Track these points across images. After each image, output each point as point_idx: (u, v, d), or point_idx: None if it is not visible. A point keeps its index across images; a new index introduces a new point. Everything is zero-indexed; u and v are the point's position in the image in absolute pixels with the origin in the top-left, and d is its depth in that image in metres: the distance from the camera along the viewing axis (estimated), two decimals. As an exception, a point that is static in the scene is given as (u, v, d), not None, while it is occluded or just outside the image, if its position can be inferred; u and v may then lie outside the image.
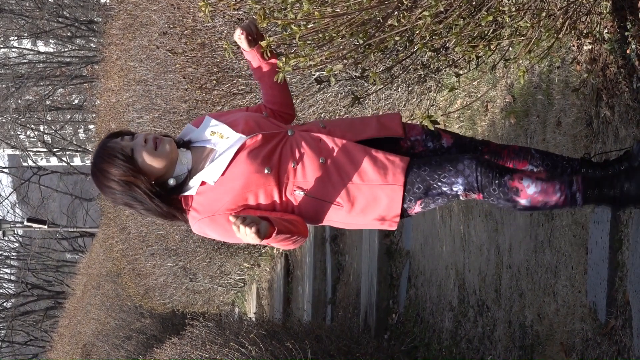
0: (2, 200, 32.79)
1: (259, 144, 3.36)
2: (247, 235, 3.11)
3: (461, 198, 3.41)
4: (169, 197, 3.38)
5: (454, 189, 3.36)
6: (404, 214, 3.41)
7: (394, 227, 3.46)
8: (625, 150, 3.72)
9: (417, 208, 3.42)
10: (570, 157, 3.72)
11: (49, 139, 31.03)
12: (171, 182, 3.37)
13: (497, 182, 3.32)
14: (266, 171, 3.31)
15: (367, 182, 3.35)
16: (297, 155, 3.36)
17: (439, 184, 3.35)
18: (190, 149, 3.43)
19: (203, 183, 3.34)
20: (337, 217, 3.42)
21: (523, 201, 3.34)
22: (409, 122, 3.70)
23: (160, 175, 3.36)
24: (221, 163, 3.33)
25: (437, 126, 3.50)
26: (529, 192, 3.32)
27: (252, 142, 3.36)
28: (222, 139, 3.39)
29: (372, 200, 3.36)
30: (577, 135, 4.40)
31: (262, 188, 3.33)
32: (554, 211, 4.65)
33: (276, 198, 3.35)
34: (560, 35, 3.81)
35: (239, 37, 3.52)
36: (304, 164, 3.35)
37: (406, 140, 3.56)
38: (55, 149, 31.25)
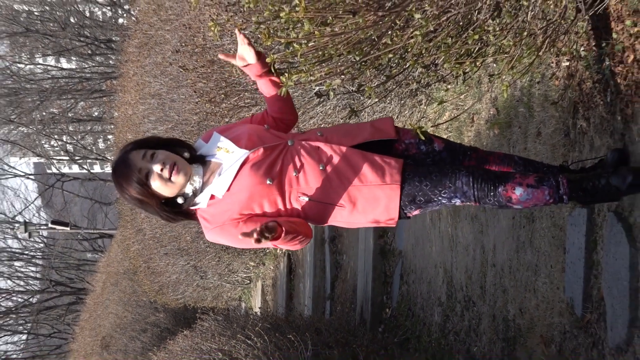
0: (28, 205, 32.87)
1: (261, 157, 3.35)
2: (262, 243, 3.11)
3: (457, 205, 3.44)
4: (177, 210, 3.40)
5: (452, 201, 3.39)
6: (403, 215, 3.42)
7: (392, 224, 3.46)
8: (600, 159, 3.73)
9: (415, 212, 3.43)
10: (550, 164, 3.73)
11: (71, 148, 31.07)
12: (179, 200, 3.37)
13: (492, 194, 3.34)
14: (268, 182, 3.30)
15: (366, 184, 3.34)
16: (298, 164, 3.35)
17: (439, 197, 3.37)
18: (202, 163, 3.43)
19: (212, 197, 3.34)
20: (340, 217, 3.41)
21: (516, 206, 3.38)
22: (402, 127, 3.70)
23: (171, 196, 3.37)
24: (227, 177, 3.32)
25: (429, 131, 3.53)
26: (521, 199, 3.34)
27: (254, 156, 3.34)
28: (227, 153, 3.38)
29: (372, 200, 3.35)
30: (556, 144, 4.40)
31: (266, 198, 3.32)
32: (535, 213, 4.65)
33: (280, 206, 3.34)
34: (540, 53, 3.80)
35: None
36: (305, 172, 3.34)
37: (401, 143, 3.54)
38: (76, 157, 31.31)
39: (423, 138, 3.42)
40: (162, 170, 3.27)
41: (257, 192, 3.30)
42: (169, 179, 3.28)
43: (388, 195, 3.34)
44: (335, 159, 3.36)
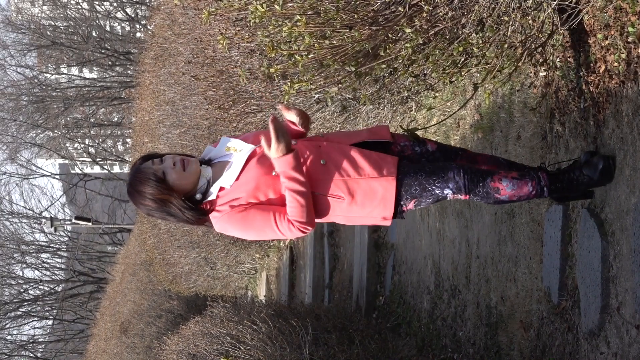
0: (54, 202, 32.87)
1: None
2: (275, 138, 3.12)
3: (449, 198, 3.41)
4: (197, 207, 3.35)
5: (445, 192, 3.35)
6: (398, 212, 3.37)
7: (388, 223, 3.40)
8: (574, 160, 3.73)
9: (410, 205, 3.37)
10: (530, 166, 3.72)
11: (93, 150, 31.09)
12: (198, 196, 3.33)
13: (481, 184, 3.34)
14: (274, 173, 3.27)
15: (364, 177, 3.29)
16: (301, 158, 3.33)
17: (433, 187, 3.34)
18: (211, 165, 3.41)
19: (222, 188, 3.31)
20: (339, 210, 3.34)
21: (502, 197, 3.39)
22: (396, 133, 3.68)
23: (188, 191, 3.32)
24: (235, 169, 3.30)
25: (422, 134, 3.53)
26: (507, 190, 3.37)
27: (261, 150, 3.30)
28: (236, 152, 3.37)
29: (369, 192, 3.30)
30: (534, 147, 4.39)
31: (271, 188, 3.29)
32: (515, 210, 4.64)
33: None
34: (520, 64, 3.80)
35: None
36: (307, 166, 3.30)
37: (396, 145, 3.50)
38: (98, 159, 31.32)
39: (416, 138, 3.43)
40: (174, 165, 3.28)
41: (263, 182, 3.27)
42: (184, 170, 3.27)
43: (385, 187, 3.29)
44: (335, 155, 3.33)
